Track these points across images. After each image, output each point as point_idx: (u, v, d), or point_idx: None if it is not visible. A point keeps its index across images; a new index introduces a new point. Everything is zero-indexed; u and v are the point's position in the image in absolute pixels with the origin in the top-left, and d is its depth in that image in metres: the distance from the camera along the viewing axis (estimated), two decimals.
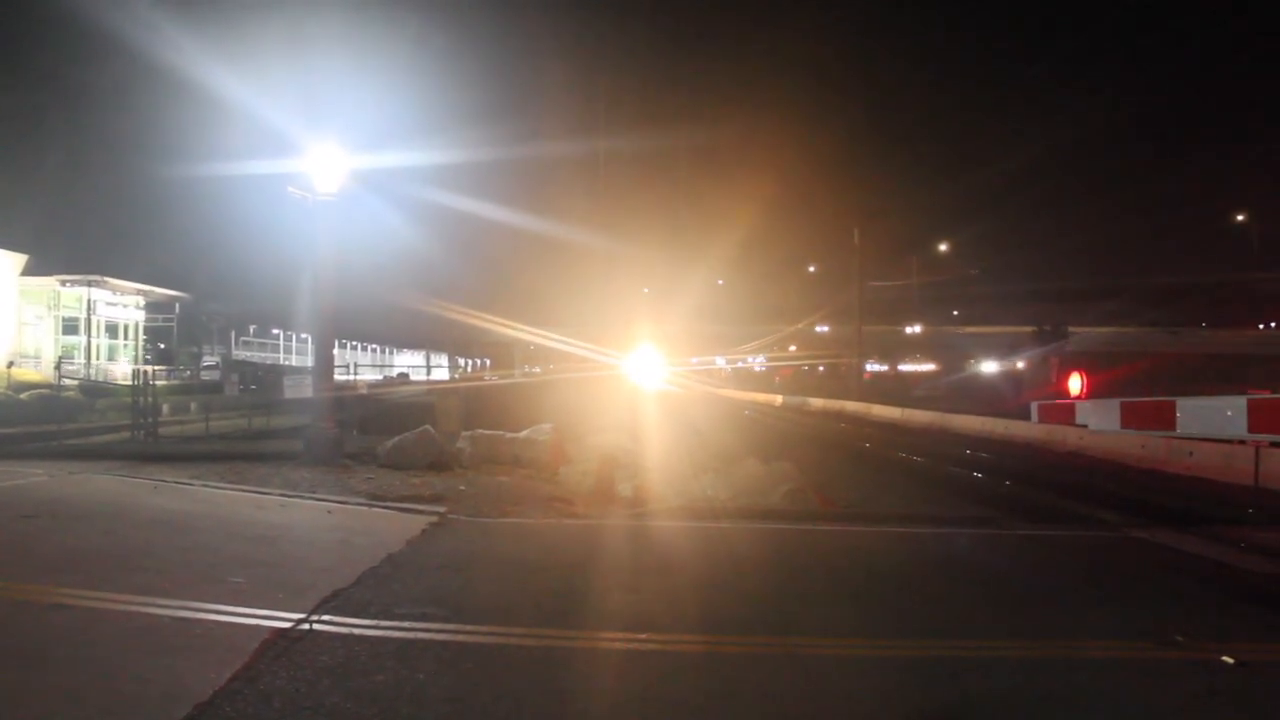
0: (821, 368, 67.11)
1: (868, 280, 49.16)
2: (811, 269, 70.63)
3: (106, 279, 30.28)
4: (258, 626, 4.70)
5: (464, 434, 13.41)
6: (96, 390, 23.57)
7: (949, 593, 6.28)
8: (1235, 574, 7.14)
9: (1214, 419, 14.37)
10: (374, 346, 74.40)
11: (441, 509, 8.76)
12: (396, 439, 12.28)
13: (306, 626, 4.77)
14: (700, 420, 26.59)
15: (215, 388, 30.07)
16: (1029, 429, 20.84)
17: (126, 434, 16.15)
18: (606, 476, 11.13)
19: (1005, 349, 61.82)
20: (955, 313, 72.81)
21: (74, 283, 29.65)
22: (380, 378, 38.01)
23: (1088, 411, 18.65)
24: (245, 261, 39.25)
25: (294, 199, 12.24)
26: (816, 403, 41.64)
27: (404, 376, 41.77)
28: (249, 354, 51.40)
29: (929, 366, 68.40)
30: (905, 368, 68.88)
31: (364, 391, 23.44)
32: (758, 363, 68.11)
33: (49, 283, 29.55)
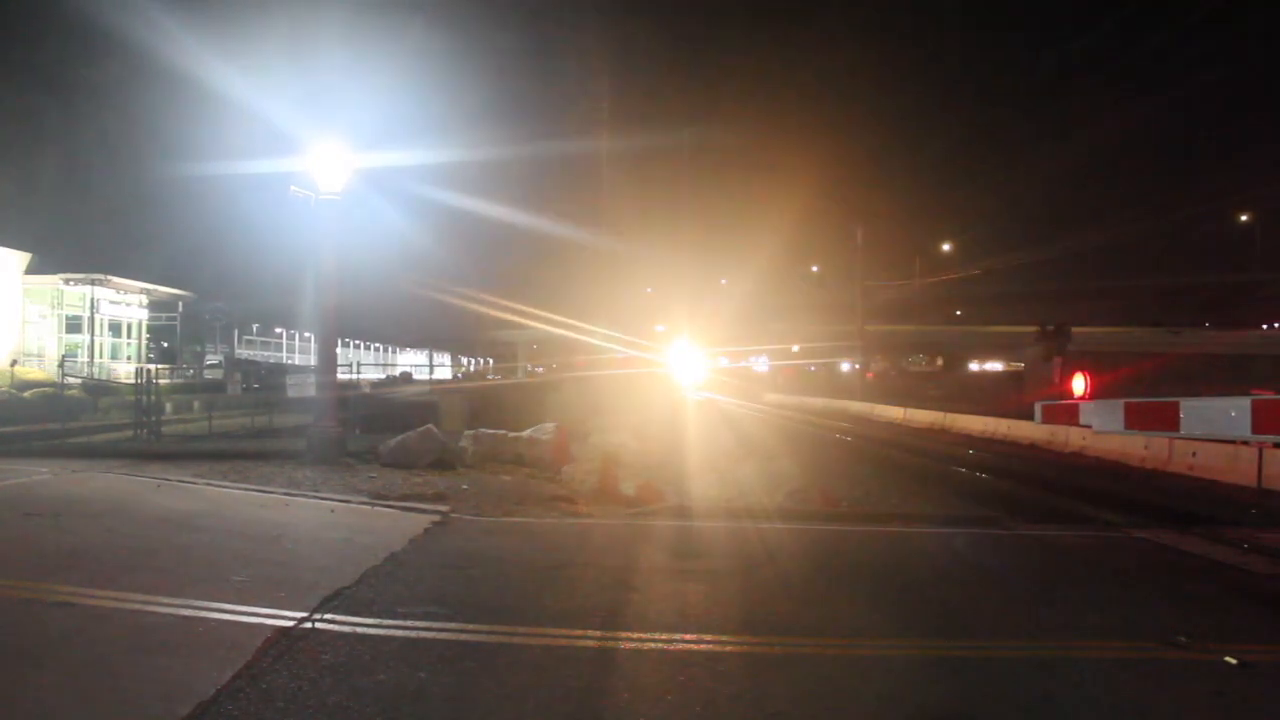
0: (823, 368, 67.07)
1: (872, 280, 49.16)
2: (815, 269, 70.57)
3: (110, 278, 30.36)
4: (260, 625, 4.71)
5: (467, 433, 13.42)
6: (100, 389, 23.63)
7: (950, 592, 6.28)
8: (1238, 575, 7.12)
9: (1218, 420, 14.34)
10: (377, 345, 74.57)
11: (444, 508, 8.77)
12: (399, 438, 12.29)
13: (309, 625, 4.78)
14: (703, 420, 26.61)
15: (218, 386, 30.11)
16: (1032, 429, 20.81)
17: (129, 432, 16.18)
18: (609, 476, 11.14)
19: (1008, 349, 61.79)
20: (959, 312, 72.77)
21: (77, 281, 29.73)
22: (383, 377, 38.09)
23: (1091, 412, 18.61)
24: (248, 260, 39.37)
25: (298, 198, 12.25)
26: (819, 403, 41.64)
27: (407, 376, 41.84)
28: (252, 353, 51.54)
29: (932, 366, 68.37)
30: (908, 367, 68.87)
31: (367, 390, 23.48)
32: (761, 362, 68.05)
33: (52, 281, 29.63)
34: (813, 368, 67.37)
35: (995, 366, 68.13)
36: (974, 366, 70.44)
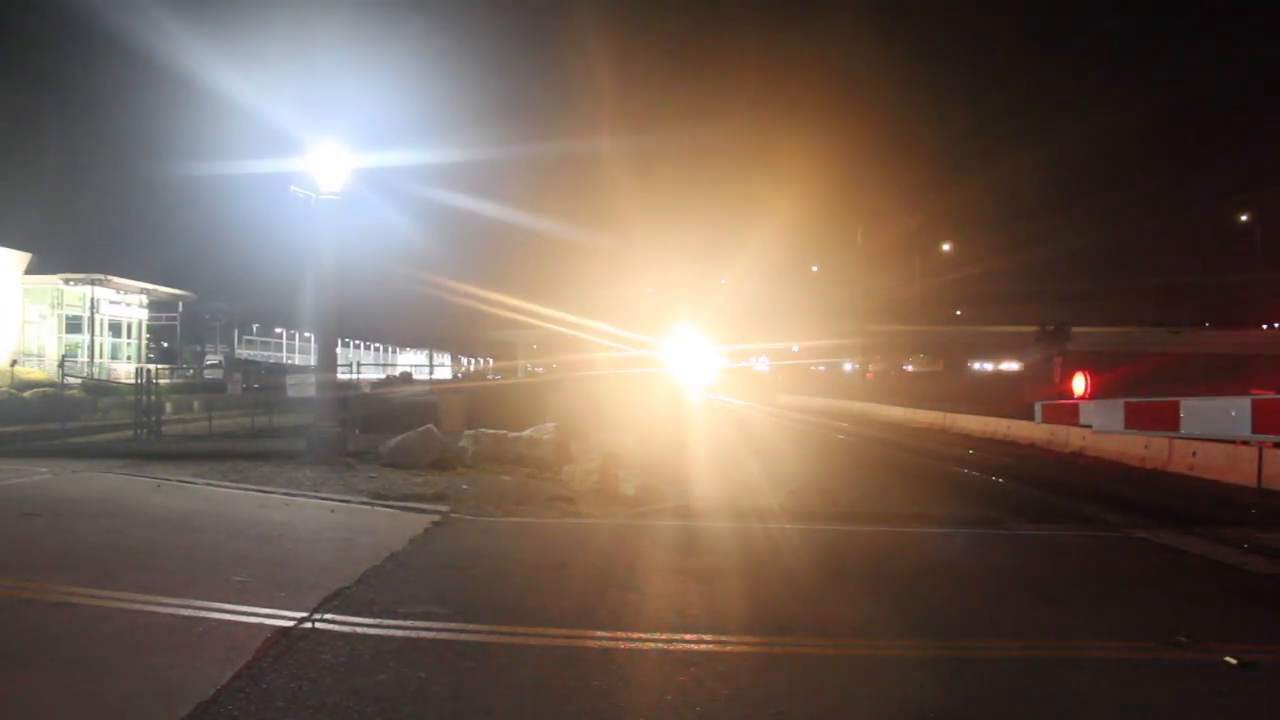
0: (824, 368, 67.06)
1: (875, 280, 49.18)
2: (815, 268, 70.50)
3: (110, 277, 30.35)
4: (260, 625, 4.71)
5: (467, 433, 13.42)
6: (100, 389, 23.63)
7: (950, 592, 6.28)
8: (1238, 574, 7.12)
9: (1218, 419, 14.33)
10: (377, 345, 74.60)
11: (444, 508, 8.77)
12: (399, 438, 12.30)
13: (309, 625, 4.78)
14: (703, 420, 26.61)
15: (218, 386, 30.10)
16: (1032, 429, 20.81)
17: (129, 432, 16.19)
18: (610, 476, 11.13)
19: (1008, 349, 61.78)
20: (958, 312, 72.73)
21: (77, 281, 29.72)
22: (383, 377, 38.06)
23: (1091, 412, 18.60)
24: (248, 260, 39.43)
25: (297, 198, 12.25)
26: (819, 403, 41.60)
27: (407, 376, 41.82)
28: (252, 353, 51.58)
29: (933, 366, 68.35)
30: (909, 367, 68.86)
31: (367, 390, 23.50)
32: (761, 363, 68.04)
33: (52, 281, 29.62)
34: (822, 368, 67.31)
35: (996, 366, 68.05)
36: (989, 366, 70.35)
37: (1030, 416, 21.32)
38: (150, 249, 35.61)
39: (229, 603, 5.06)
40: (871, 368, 57.78)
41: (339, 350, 18.65)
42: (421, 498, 9.37)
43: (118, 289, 31.44)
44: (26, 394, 20.62)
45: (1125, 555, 7.96)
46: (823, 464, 15.24)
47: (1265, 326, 62.53)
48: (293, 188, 12.17)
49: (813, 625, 5.29)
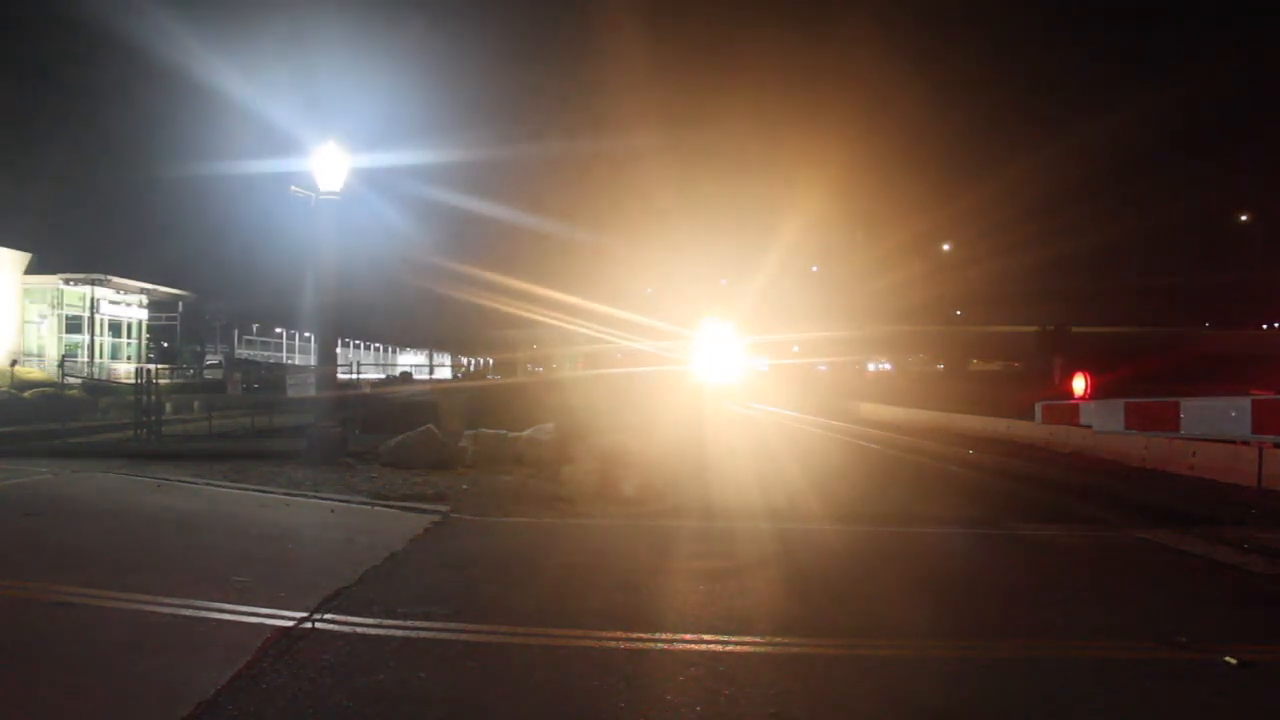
0: (824, 368, 67.07)
1: (872, 280, 49.21)
2: (815, 269, 70.54)
3: (110, 277, 30.37)
4: (260, 625, 4.71)
5: (467, 433, 13.43)
6: (100, 389, 23.61)
7: (950, 592, 6.27)
8: (1238, 574, 7.12)
9: (1218, 420, 14.33)
10: (377, 345, 74.65)
11: (444, 508, 8.77)
12: (399, 438, 12.30)
13: (309, 625, 4.78)
14: (702, 420, 26.58)
15: (218, 386, 30.07)
16: (1031, 429, 20.80)
17: (129, 432, 16.18)
18: (609, 476, 11.13)
19: (1008, 349, 61.80)
20: (959, 312, 72.77)
21: (77, 281, 29.73)
22: (383, 377, 38.05)
23: (1091, 412, 18.60)
24: (248, 260, 39.47)
25: (297, 197, 12.26)
26: (819, 403, 41.54)
27: (407, 375, 41.80)
28: (252, 353, 51.63)
29: (932, 366, 68.46)
30: (909, 367, 68.95)
31: (367, 390, 23.44)
32: (761, 363, 68.03)
33: (52, 281, 29.64)
34: (824, 367, 67.31)
35: (996, 367, 68.12)
36: (975, 366, 70.44)
37: (1030, 417, 21.33)
38: (150, 249, 35.64)
39: (229, 603, 5.06)
40: (869, 368, 57.78)
41: (339, 350, 18.65)
42: (421, 498, 9.37)
43: (118, 289, 31.45)
44: (26, 394, 20.63)
45: (1126, 555, 7.95)
46: (822, 463, 15.23)
47: (1265, 326, 62.55)
48: (293, 187, 12.18)
49: (812, 625, 5.29)
